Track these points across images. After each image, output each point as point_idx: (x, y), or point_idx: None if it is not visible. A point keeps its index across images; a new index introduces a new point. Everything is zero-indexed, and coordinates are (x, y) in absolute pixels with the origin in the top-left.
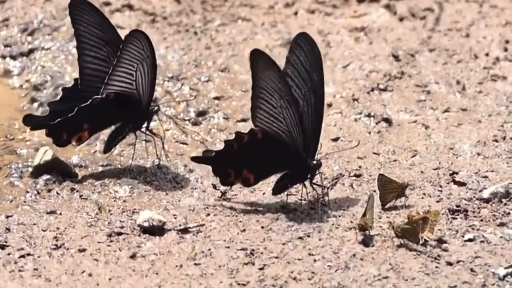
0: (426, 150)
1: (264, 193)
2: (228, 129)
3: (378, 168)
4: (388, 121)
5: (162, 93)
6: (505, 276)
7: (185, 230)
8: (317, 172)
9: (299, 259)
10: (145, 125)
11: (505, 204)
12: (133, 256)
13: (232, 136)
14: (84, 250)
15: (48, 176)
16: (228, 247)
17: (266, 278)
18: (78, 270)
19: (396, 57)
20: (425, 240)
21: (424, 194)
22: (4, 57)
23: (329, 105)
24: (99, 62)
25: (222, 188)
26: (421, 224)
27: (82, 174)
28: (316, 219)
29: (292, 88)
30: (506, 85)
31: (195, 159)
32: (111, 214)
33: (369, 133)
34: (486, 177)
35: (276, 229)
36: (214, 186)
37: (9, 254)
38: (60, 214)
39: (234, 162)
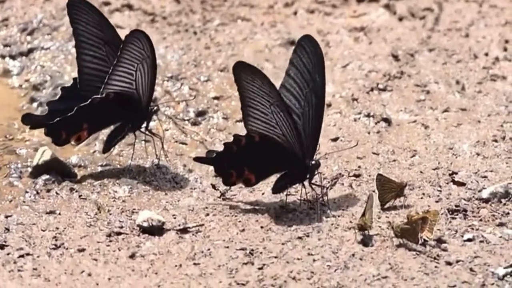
0: (425, 150)
1: (263, 193)
2: (228, 129)
3: (378, 168)
4: (387, 121)
5: (161, 93)
6: (504, 275)
7: (184, 230)
8: (316, 172)
9: (298, 259)
10: (144, 125)
11: (504, 204)
12: (132, 256)
13: (231, 138)
14: (83, 250)
15: (47, 176)
16: (228, 247)
17: (265, 277)
18: (78, 270)
19: (396, 57)
20: (424, 240)
21: (423, 194)
22: (3, 56)
23: (329, 105)
24: (98, 61)
25: (221, 188)
26: (420, 224)
27: (81, 174)
28: (316, 219)
29: (294, 89)
30: (506, 85)
31: (197, 159)
32: (110, 214)
33: (369, 133)
34: (485, 177)
35: (275, 229)
36: (213, 186)
37: (8, 254)
38: (59, 214)
39: (235, 163)
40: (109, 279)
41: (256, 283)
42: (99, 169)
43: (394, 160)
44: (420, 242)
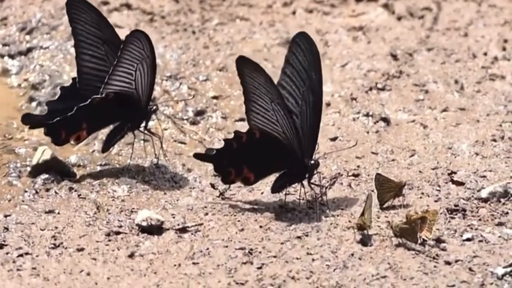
0: (424, 150)
1: (262, 193)
2: (226, 128)
3: (377, 168)
4: (386, 120)
5: (160, 93)
6: (503, 275)
7: (183, 230)
8: (315, 172)
9: (297, 259)
10: (143, 124)
11: (503, 203)
12: (131, 256)
13: (231, 135)
14: (82, 249)
15: (47, 176)
16: (227, 247)
17: (264, 277)
18: (77, 269)
19: (394, 57)
20: (423, 239)
21: (422, 193)
22: (2, 56)
23: (328, 105)
24: (97, 60)
25: (221, 187)
26: (419, 223)
27: (80, 173)
28: (315, 219)
29: (291, 87)
30: (505, 84)
31: (197, 156)
32: (109, 213)
33: (367, 132)
34: (484, 176)
35: (274, 228)
36: (213, 186)
37: (7, 253)
38: (59, 213)
39: (235, 161)
40: (108, 278)
41: (255, 282)
42: (98, 168)
43: (393, 160)
44: (419, 241)
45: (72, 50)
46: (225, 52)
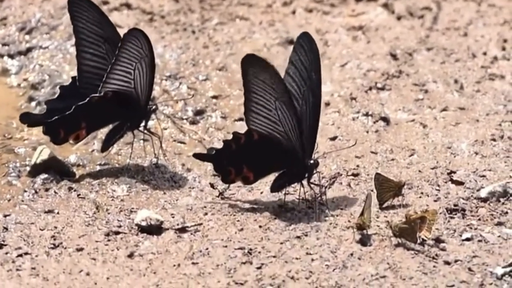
0: (423, 149)
1: (262, 192)
2: (226, 128)
3: (376, 167)
4: (386, 120)
5: (160, 92)
6: (503, 275)
7: (183, 229)
8: (314, 172)
9: (296, 258)
10: (143, 124)
11: (503, 203)
12: (130, 255)
13: (230, 136)
14: (81, 249)
15: (46, 175)
16: (226, 246)
17: (263, 277)
18: (76, 269)
19: (394, 56)
20: (422, 239)
21: (421, 193)
22: (2, 56)
23: (327, 104)
24: (97, 59)
25: (220, 187)
26: (419, 223)
27: (79, 173)
28: (314, 218)
29: (292, 88)
30: (504, 84)
31: (196, 156)
32: (108, 213)
33: (367, 132)
34: (484, 176)
35: (274, 228)
36: (212, 185)
37: (7, 253)
38: (58, 213)
39: (234, 161)
40: (108, 278)
41: (254, 282)
42: (98, 168)
43: (393, 159)
44: (418, 241)
45: (72, 50)
46: (225, 51)
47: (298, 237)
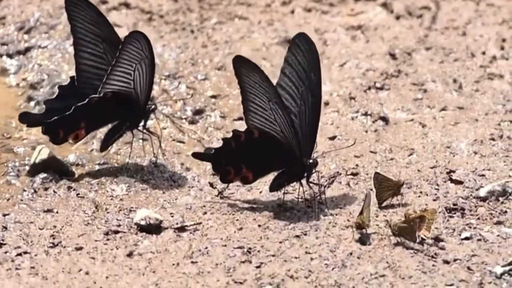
0: (423, 149)
1: (261, 192)
2: (225, 128)
3: (375, 167)
4: (385, 119)
5: (159, 92)
6: (502, 274)
7: (182, 229)
8: (313, 171)
9: (296, 258)
10: (142, 123)
11: (502, 202)
12: (130, 255)
13: (230, 134)
14: (81, 248)
15: (45, 175)
16: (225, 246)
17: (263, 276)
18: (75, 268)
19: (393, 56)
20: (422, 238)
21: (421, 192)
22: (1, 55)
23: (326, 104)
24: (95, 58)
25: (219, 186)
26: (418, 222)
27: (79, 172)
28: (313, 218)
29: (289, 87)
30: (503, 83)
31: (195, 155)
32: (108, 212)
33: (366, 131)
34: (483, 175)
35: (273, 227)
36: (211, 185)
37: (6, 252)
38: (57, 212)
39: (233, 160)
40: (107, 277)
41: (253, 281)
42: (97, 167)
43: (392, 159)
44: (417, 240)
45: (71, 50)
46: (224, 51)
47: (297, 236)
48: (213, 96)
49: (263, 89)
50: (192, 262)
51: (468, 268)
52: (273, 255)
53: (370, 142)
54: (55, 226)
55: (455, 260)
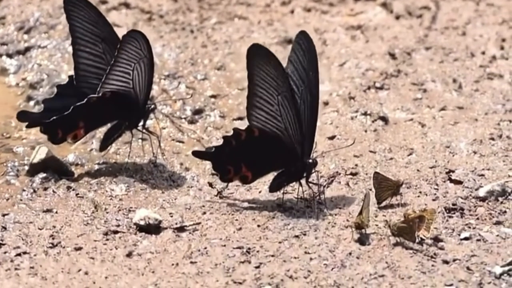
0: (422, 149)
1: (260, 192)
2: (224, 127)
3: (375, 167)
4: (384, 119)
5: (158, 92)
6: (501, 274)
7: (181, 229)
8: (313, 171)
9: (295, 258)
10: (141, 123)
11: (501, 202)
12: (129, 255)
13: (230, 133)
14: (80, 248)
15: (44, 175)
16: (224, 246)
17: (262, 276)
18: (74, 268)
19: (393, 56)
20: (421, 238)
21: (420, 192)
22: (0, 55)
23: (326, 103)
24: (94, 58)
25: (218, 186)
26: (417, 222)
27: (78, 172)
28: (313, 218)
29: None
30: (503, 83)
31: (195, 153)
32: (107, 212)
33: (366, 131)
34: (482, 175)
35: (272, 227)
36: (210, 185)
37: (5, 252)
38: (56, 212)
39: (233, 159)
40: (106, 277)
41: (253, 281)
42: (96, 167)
43: (391, 159)
44: (417, 240)
45: (70, 49)
46: (223, 51)
47: (297, 236)
48: (213, 96)
49: (274, 82)
50: (191, 262)
51: (468, 268)
52: (272, 255)
53: (370, 142)
54: (54, 226)
55: (454, 260)
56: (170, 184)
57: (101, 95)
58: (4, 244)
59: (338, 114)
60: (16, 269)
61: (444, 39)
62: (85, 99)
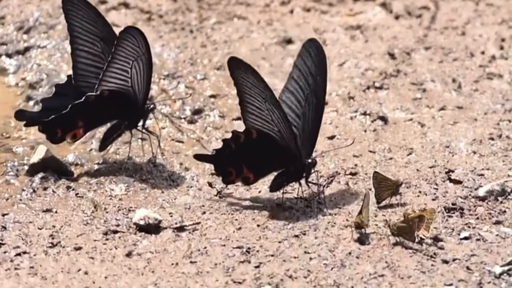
0: (422, 148)
1: (260, 191)
2: (224, 127)
3: (374, 166)
4: (384, 119)
5: (157, 91)
6: (501, 274)
7: (181, 228)
8: (312, 171)
9: (295, 257)
10: (141, 123)
11: (501, 202)
12: (129, 254)
13: (229, 135)
14: (80, 248)
15: (44, 174)
16: (224, 245)
17: (262, 276)
18: (74, 268)
19: (392, 55)
20: (421, 238)
21: (420, 192)
22: (0, 55)
23: (325, 103)
24: (93, 57)
25: (218, 186)
26: (417, 222)
27: (78, 172)
28: (312, 217)
29: (296, 91)
30: (502, 83)
31: (197, 157)
32: (107, 212)
33: (365, 131)
34: (482, 175)
35: (272, 227)
36: (210, 184)
37: (5, 252)
38: (56, 212)
39: (234, 161)
40: (106, 277)
41: (252, 281)
42: (96, 167)
43: (391, 158)
44: (416, 240)
45: (70, 49)
46: (223, 51)
47: (296, 236)
48: (212, 96)
49: (259, 90)
50: (191, 262)
51: (467, 268)
52: (272, 255)
53: (369, 142)
54: (54, 226)
55: (454, 260)
56: (170, 184)
57: (99, 93)
58: (4, 244)
59: (337, 114)
60: (16, 268)
61: (443, 39)
62: (83, 97)
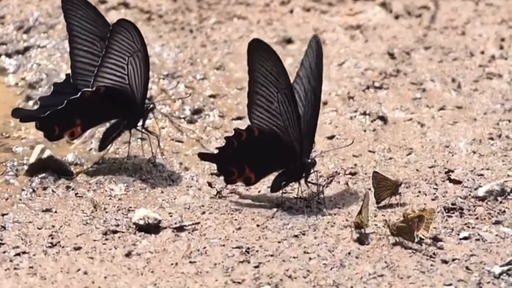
0: (421, 148)
1: (259, 191)
2: (224, 127)
3: (374, 166)
4: (383, 119)
5: (157, 91)
6: (500, 274)
7: (180, 228)
8: (312, 170)
9: (294, 257)
10: (140, 123)
11: (500, 202)
12: (128, 254)
13: (231, 133)
14: (79, 248)
15: (44, 174)
16: (224, 245)
17: (261, 276)
18: (74, 268)
19: (392, 55)
20: (420, 238)
21: (419, 192)
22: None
23: (325, 103)
24: (92, 56)
25: (218, 186)
26: (416, 222)
27: (77, 172)
28: (312, 217)
29: (300, 89)
30: (502, 83)
31: (201, 156)
32: (106, 212)
33: (365, 131)
34: (481, 175)
35: (271, 227)
36: (210, 184)
37: (4, 252)
38: (56, 212)
39: (236, 160)
40: (105, 277)
41: (252, 281)
42: (95, 167)
43: (390, 158)
44: (416, 240)
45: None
46: (223, 51)
47: (296, 236)
48: (212, 96)
49: (274, 79)
50: (191, 262)
51: (467, 268)
52: (271, 255)
53: (369, 142)
54: (53, 226)
55: (453, 260)
56: (170, 184)
57: (95, 89)
58: (3, 244)
59: (337, 113)
60: (15, 268)
61: (443, 38)
62: (79, 93)
